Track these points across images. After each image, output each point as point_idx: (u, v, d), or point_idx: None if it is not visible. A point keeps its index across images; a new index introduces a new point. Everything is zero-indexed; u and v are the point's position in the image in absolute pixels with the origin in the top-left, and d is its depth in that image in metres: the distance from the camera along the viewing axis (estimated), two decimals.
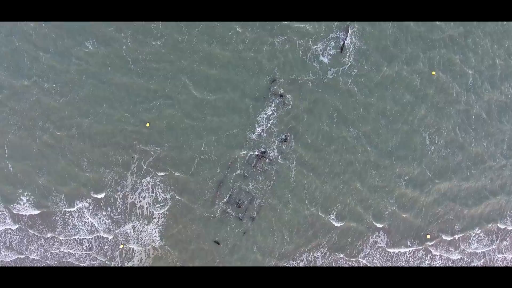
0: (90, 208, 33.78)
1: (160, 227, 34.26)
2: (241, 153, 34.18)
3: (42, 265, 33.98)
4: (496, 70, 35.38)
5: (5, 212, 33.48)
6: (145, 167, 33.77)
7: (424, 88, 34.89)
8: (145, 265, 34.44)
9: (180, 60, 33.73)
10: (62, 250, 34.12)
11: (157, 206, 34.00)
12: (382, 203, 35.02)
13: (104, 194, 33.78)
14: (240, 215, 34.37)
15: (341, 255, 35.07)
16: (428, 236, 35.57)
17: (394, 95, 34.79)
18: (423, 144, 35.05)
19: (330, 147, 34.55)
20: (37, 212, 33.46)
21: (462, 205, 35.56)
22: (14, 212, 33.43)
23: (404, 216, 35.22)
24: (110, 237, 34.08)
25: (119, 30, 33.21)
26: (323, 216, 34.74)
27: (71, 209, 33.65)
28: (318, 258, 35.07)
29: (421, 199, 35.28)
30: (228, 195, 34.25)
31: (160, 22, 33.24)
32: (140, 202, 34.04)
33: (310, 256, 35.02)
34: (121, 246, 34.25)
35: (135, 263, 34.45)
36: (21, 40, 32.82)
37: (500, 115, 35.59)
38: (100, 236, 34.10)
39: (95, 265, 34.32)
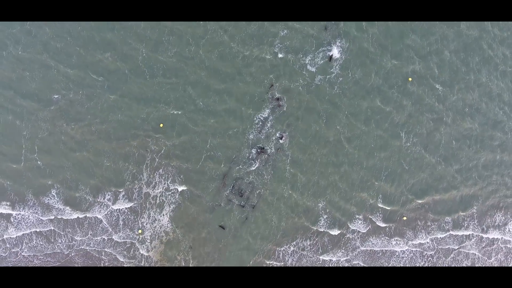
0: (112, 199, 38.49)
1: (171, 214, 39.11)
2: (243, 150, 39.23)
3: (67, 252, 38.60)
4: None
5: (35, 203, 37.92)
6: (157, 159, 38.47)
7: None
8: (158, 251, 39.26)
9: (188, 70, 38.46)
10: (84, 242, 38.81)
11: (168, 194, 38.79)
12: (363, 203, 40.99)
13: (123, 187, 38.42)
14: (242, 203, 39.46)
15: (326, 239, 40.62)
16: (405, 218, 41.08)
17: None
18: (401, 149, 40.78)
19: (320, 146, 39.91)
20: (64, 205, 38.02)
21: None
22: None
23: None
24: (128, 231, 38.88)
25: (135, 43, 37.83)
26: (312, 206, 40.15)
27: (95, 201, 38.36)
28: (307, 245, 40.53)
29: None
30: (231, 185, 39.31)
31: (171, 36, 37.92)
32: (154, 192, 38.84)
33: (300, 243, 40.46)
34: (139, 232, 38.99)
35: (150, 248, 39.23)
36: (49, 56, 37.14)
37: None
38: (120, 224, 38.86)
39: (112, 253, 38.95)
